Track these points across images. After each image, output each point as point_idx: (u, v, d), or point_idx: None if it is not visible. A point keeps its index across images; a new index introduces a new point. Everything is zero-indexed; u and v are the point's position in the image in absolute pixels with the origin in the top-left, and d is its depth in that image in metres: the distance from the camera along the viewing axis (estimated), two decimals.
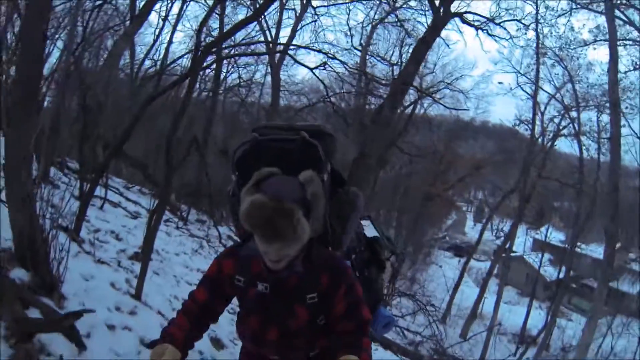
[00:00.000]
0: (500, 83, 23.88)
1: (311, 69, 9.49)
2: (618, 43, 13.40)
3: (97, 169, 6.67)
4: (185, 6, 17.57)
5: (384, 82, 15.18)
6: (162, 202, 4.99)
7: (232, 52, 12.12)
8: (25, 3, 3.92)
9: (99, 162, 11.18)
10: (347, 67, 10.72)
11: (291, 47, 12.91)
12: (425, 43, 12.51)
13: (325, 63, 9.41)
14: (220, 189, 15.51)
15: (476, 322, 20.25)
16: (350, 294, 1.77)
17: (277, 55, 16.15)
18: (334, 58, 9.75)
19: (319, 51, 10.81)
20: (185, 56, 18.21)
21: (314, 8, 15.99)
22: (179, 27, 18.93)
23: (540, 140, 20.15)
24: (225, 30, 9.84)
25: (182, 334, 1.77)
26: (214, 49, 5.65)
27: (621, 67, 13.83)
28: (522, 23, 14.67)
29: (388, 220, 24.30)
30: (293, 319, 1.78)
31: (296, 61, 10.68)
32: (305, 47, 11.35)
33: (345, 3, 14.33)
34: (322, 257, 1.77)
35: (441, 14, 12.35)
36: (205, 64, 9.31)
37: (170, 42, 19.77)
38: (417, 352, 9.60)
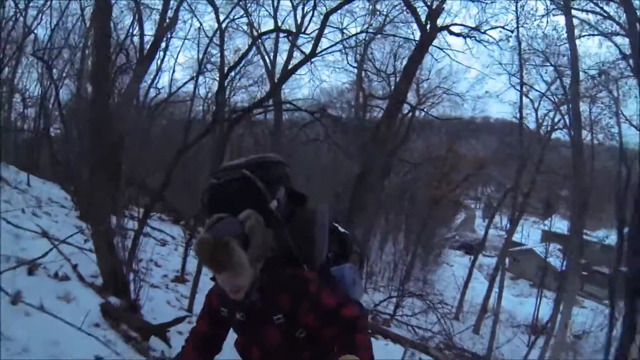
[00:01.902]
0: (486, 92, 24.66)
1: (312, 113, 10.86)
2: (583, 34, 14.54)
3: (145, 209, 8.10)
4: (184, 41, 19.13)
5: (380, 97, 16.53)
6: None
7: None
8: (91, 100, 5.29)
9: (124, 198, 12.67)
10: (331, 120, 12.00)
11: (290, 103, 14.27)
12: (415, 60, 13.85)
13: (321, 114, 10.76)
14: None
15: (488, 317, 21.41)
16: (317, 306, 1.88)
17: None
18: (323, 115, 11.07)
19: (310, 112, 12.10)
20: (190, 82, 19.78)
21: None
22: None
23: (538, 135, 21.31)
24: (252, 103, 11.12)
25: None
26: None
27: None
28: (505, 29, 15.54)
29: (397, 225, 25.40)
30: (267, 339, 1.99)
31: (298, 108, 12.02)
32: (297, 109, 12.63)
33: (333, 45, 15.35)
34: (279, 278, 1.91)
35: (428, 30, 13.64)
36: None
37: (173, 71, 21.30)
38: (425, 344, 10.88)
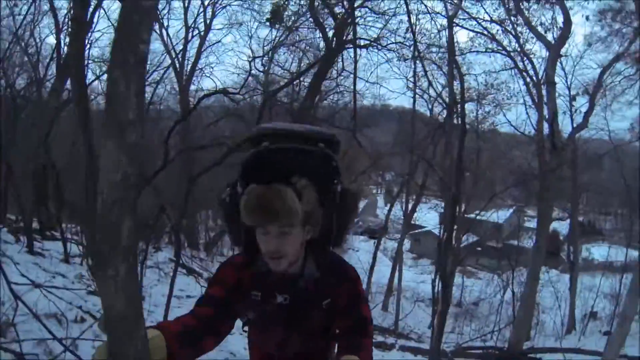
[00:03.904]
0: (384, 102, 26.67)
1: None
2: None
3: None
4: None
5: (285, 103, 18.55)
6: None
7: None
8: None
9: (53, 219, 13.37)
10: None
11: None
12: (321, 76, 15.88)
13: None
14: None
15: (395, 295, 24.50)
16: (353, 293, 2.04)
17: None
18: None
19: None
20: None
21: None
22: None
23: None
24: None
25: (177, 328, 1.71)
26: None
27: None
28: (403, 44, 17.05)
29: None
30: (313, 324, 2.04)
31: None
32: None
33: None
34: (331, 261, 2.06)
35: (334, 45, 15.55)
36: None
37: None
38: None
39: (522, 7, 13.63)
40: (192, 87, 21.94)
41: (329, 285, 2.03)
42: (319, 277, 2.02)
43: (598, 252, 27.92)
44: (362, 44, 16.91)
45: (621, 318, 7.59)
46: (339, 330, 2.05)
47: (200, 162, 15.88)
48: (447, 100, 20.26)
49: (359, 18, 15.37)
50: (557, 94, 13.20)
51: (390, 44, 17.27)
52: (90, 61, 15.89)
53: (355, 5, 15.11)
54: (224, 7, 19.83)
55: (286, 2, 14.82)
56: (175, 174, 18.61)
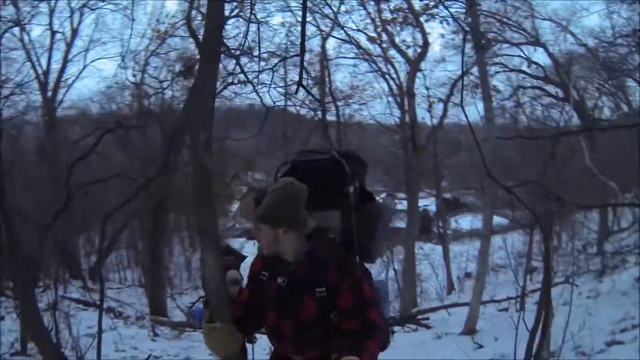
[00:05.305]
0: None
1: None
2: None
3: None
4: None
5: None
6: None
7: None
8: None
9: None
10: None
11: None
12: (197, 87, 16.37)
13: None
14: None
15: None
16: (357, 290, 2.08)
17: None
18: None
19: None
20: None
21: None
22: None
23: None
24: None
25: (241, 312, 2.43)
26: None
27: None
28: (273, 52, 17.41)
29: (178, 224, 26.84)
30: (304, 311, 2.13)
31: None
32: None
33: None
34: (330, 252, 2.17)
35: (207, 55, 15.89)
36: None
37: None
38: None
39: (387, 26, 15.51)
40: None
41: (326, 275, 2.12)
42: (311, 262, 2.18)
43: (465, 222, 31.08)
44: (236, 53, 17.54)
45: (477, 275, 10.89)
46: (343, 332, 2.06)
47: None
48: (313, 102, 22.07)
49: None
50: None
51: (263, 53, 18.07)
52: None
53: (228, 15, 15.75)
54: (93, 10, 19.06)
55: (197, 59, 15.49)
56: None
